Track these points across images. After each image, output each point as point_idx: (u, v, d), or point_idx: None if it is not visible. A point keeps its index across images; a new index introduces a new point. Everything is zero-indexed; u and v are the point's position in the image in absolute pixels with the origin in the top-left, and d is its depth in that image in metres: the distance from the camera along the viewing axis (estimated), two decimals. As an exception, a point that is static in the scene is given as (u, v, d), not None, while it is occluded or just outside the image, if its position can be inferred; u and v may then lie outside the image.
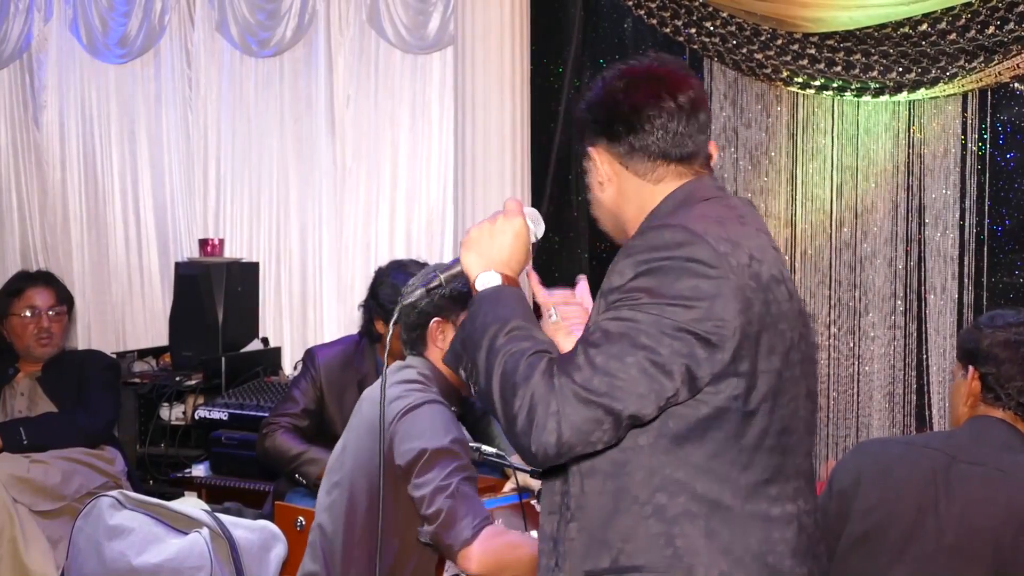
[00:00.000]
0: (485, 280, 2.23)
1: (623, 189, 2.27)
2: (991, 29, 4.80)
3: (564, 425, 1.86)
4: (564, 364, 1.92)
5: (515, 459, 3.94)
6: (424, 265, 4.07)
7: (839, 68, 5.33)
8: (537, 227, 2.35)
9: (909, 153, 5.36)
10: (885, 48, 5.20)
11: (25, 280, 5.76)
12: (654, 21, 5.61)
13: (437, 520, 3.05)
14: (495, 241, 2.26)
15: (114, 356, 6.23)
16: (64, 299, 5.58)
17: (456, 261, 2.36)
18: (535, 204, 5.90)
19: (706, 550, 1.95)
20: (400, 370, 3.38)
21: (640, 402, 1.88)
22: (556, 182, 6.14)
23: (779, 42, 5.54)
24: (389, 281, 4.31)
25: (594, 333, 1.93)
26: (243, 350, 6.49)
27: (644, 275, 1.95)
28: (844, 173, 5.51)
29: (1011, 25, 4.75)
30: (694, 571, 1.95)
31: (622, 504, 1.99)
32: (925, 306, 5.16)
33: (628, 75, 2.26)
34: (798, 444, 2.05)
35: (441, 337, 3.35)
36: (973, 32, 4.84)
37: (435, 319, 3.36)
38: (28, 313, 5.46)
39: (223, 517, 4.18)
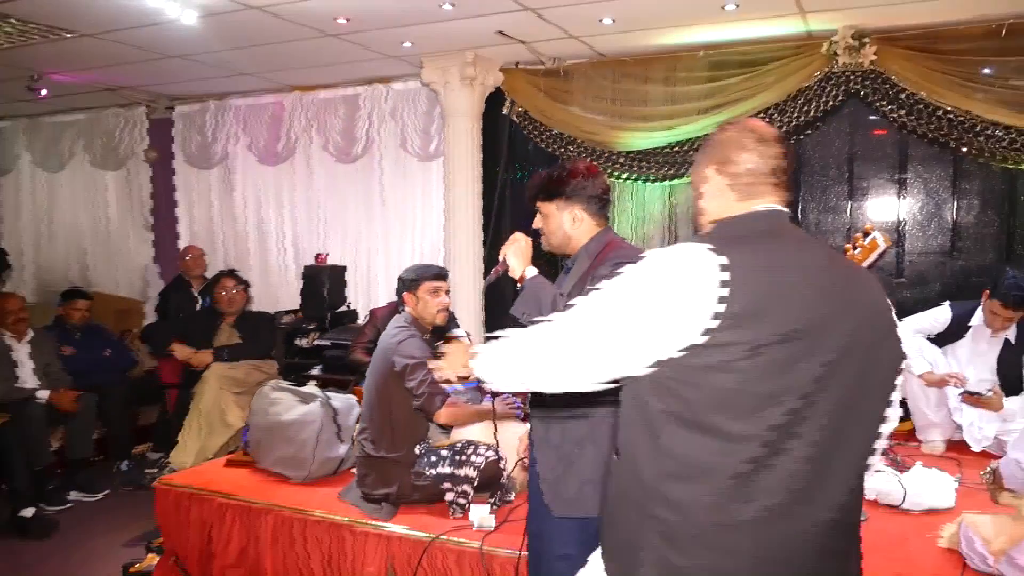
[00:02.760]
0: (532, 272, 2.77)
1: (575, 227, 2.82)
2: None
3: None
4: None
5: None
6: (429, 266, 4.32)
7: (634, 169, 7.04)
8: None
9: (672, 210, 7.06)
10: (659, 159, 6.93)
11: (222, 274, 6.63)
12: (543, 144, 7.42)
13: (422, 399, 3.67)
14: (520, 251, 2.86)
15: (271, 313, 7.77)
16: (241, 282, 6.70)
17: (504, 261, 2.91)
18: (484, 238, 7.47)
19: None
20: (397, 319, 3.94)
21: None
22: (497, 224, 7.62)
23: (605, 155, 7.09)
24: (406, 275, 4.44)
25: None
26: (338, 310, 8.10)
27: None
28: (637, 221, 7.12)
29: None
30: None
31: None
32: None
33: (569, 167, 2.85)
34: None
35: (412, 302, 3.90)
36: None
37: (405, 292, 3.95)
38: (223, 293, 6.64)
39: (328, 394, 4.67)
